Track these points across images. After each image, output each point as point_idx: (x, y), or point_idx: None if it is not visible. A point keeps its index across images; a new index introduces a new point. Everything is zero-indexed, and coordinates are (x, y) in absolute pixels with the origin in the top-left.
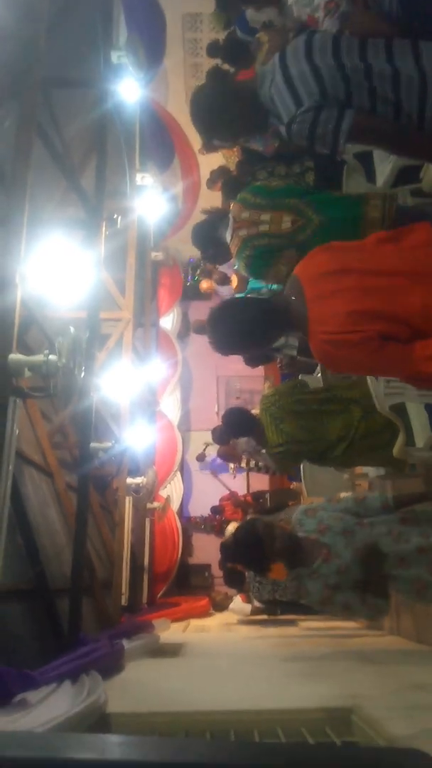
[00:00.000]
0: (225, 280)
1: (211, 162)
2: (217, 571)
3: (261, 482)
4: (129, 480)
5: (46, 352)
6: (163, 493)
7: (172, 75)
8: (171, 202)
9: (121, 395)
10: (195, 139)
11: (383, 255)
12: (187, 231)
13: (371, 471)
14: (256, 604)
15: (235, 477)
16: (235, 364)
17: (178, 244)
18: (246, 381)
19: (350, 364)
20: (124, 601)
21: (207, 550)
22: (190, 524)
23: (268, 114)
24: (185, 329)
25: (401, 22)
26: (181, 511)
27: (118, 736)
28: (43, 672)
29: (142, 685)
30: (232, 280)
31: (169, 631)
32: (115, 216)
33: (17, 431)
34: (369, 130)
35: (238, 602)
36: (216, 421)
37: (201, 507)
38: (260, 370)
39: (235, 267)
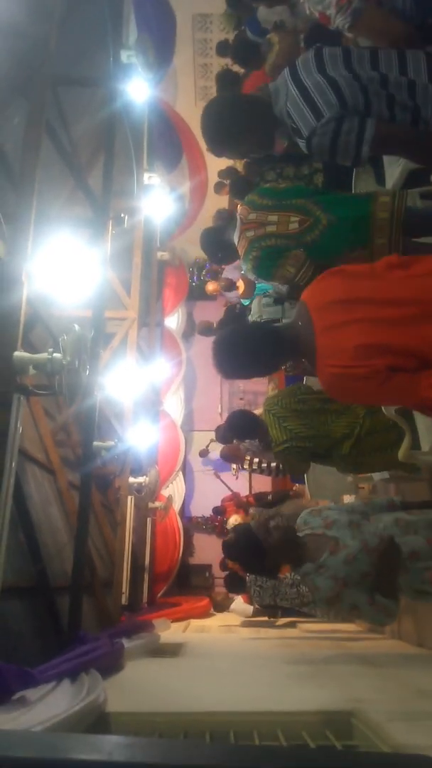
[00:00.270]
0: (231, 287)
1: (218, 162)
2: (217, 572)
3: (263, 483)
4: (131, 479)
5: (51, 350)
6: (165, 492)
7: (182, 75)
8: (178, 202)
9: (125, 394)
10: (203, 140)
11: (394, 283)
12: (194, 231)
13: (375, 474)
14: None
15: (237, 478)
16: None
17: (184, 244)
18: (250, 382)
19: (357, 396)
20: (124, 600)
21: (208, 550)
22: (191, 524)
23: (280, 130)
24: (190, 329)
25: (414, 20)
26: (183, 511)
27: (123, 737)
28: (42, 670)
29: (142, 685)
30: (239, 287)
31: (169, 631)
32: (122, 215)
33: (21, 429)
34: (391, 138)
35: (239, 602)
36: (219, 422)
37: (203, 507)
38: None
39: (242, 271)
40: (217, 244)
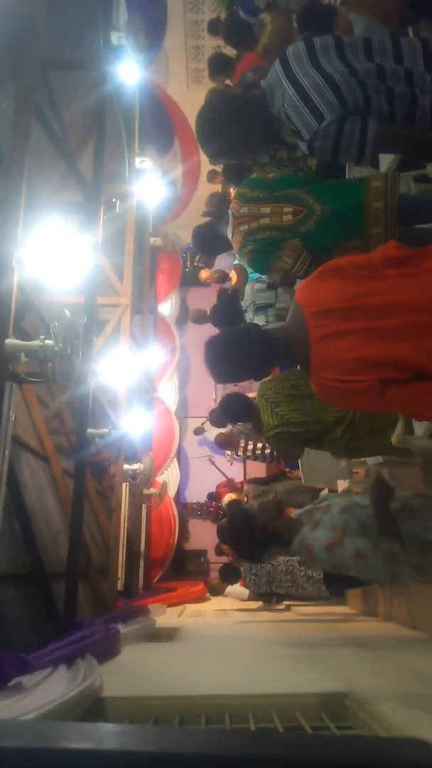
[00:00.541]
0: (224, 279)
1: None
2: (213, 557)
3: (258, 470)
4: (126, 466)
5: (42, 337)
6: (160, 479)
7: (173, 57)
8: (170, 186)
9: (119, 381)
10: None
11: (394, 285)
12: (187, 216)
13: (369, 458)
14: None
15: (231, 464)
16: None
17: (177, 230)
18: None
19: (350, 406)
20: (120, 585)
21: (203, 535)
22: (186, 510)
23: (275, 130)
24: (184, 315)
25: None
26: (178, 497)
27: (114, 725)
28: (38, 656)
29: (138, 670)
30: (231, 278)
31: (165, 616)
32: (114, 200)
33: (13, 417)
34: (392, 137)
35: (235, 586)
36: (213, 408)
37: (198, 493)
38: None
39: (235, 262)
40: (211, 241)
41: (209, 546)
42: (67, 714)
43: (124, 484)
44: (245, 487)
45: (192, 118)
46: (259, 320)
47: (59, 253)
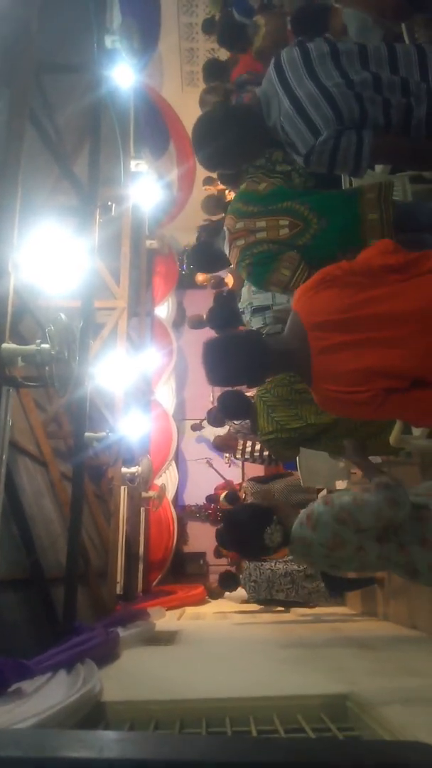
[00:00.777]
0: (220, 284)
1: None
2: (212, 559)
3: (256, 472)
4: (124, 469)
5: (38, 341)
6: (159, 482)
7: (167, 60)
8: (166, 189)
9: (116, 385)
10: (190, 127)
11: (393, 291)
12: (183, 219)
13: None
14: None
15: (230, 466)
16: None
17: (173, 232)
18: None
19: (352, 415)
20: (119, 589)
21: (202, 538)
22: (185, 513)
23: (270, 140)
24: (180, 318)
25: None
26: (176, 499)
27: (114, 732)
28: (38, 661)
29: (138, 674)
30: (227, 282)
31: (165, 619)
32: (110, 203)
33: (11, 421)
34: (388, 150)
35: None
36: (211, 408)
37: (196, 496)
38: None
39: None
40: (208, 260)
41: (208, 548)
42: (67, 719)
43: (122, 488)
44: (244, 485)
45: (187, 121)
46: (257, 322)
47: (55, 257)
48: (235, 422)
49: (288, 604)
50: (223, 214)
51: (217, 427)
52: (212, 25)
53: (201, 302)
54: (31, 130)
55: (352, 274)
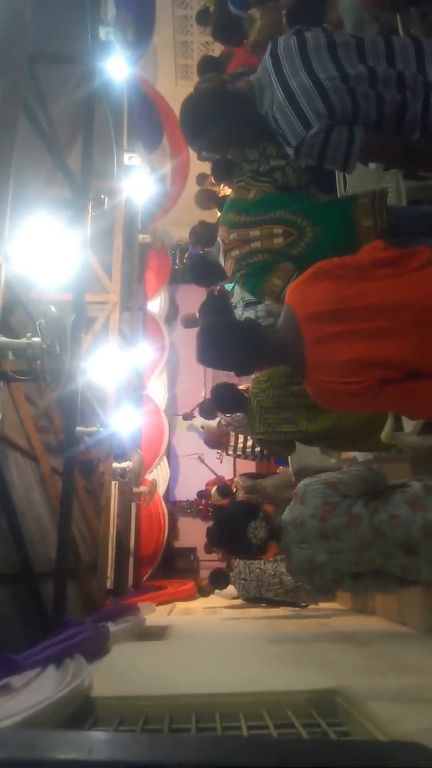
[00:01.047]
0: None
1: None
2: (202, 555)
3: (248, 468)
4: (115, 464)
5: (29, 334)
6: (150, 477)
7: (162, 53)
8: (159, 182)
9: (108, 379)
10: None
11: (385, 285)
12: (176, 213)
13: (359, 455)
14: None
15: (221, 461)
16: None
17: (166, 227)
18: None
19: (347, 407)
20: (109, 584)
21: (193, 534)
22: (176, 508)
23: (262, 128)
24: (173, 313)
25: None
26: (168, 494)
27: (104, 733)
28: (26, 656)
29: (128, 669)
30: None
31: (155, 614)
32: (102, 196)
33: (1, 415)
34: (379, 149)
35: None
36: (202, 400)
37: (187, 491)
38: None
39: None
40: (205, 273)
41: (199, 544)
42: (56, 715)
43: (113, 483)
44: (236, 480)
45: None
46: (249, 316)
47: (47, 250)
48: (227, 415)
49: (277, 603)
50: (216, 209)
51: (208, 419)
52: (206, 16)
53: (194, 297)
54: (25, 121)
55: (344, 267)
